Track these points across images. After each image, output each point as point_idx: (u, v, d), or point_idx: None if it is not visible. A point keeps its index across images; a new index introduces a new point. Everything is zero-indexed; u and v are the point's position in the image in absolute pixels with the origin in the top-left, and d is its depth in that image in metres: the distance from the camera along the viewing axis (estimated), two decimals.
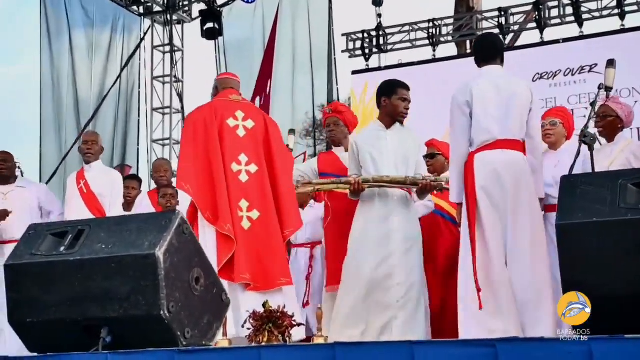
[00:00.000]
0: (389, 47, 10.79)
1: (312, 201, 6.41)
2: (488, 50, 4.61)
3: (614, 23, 9.38)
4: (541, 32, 9.70)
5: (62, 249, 3.35)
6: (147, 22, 12.45)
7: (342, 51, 10.99)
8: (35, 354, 3.33)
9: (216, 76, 5.37)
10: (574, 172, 4.16)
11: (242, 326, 4.32)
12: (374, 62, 10.83)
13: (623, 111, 4.93)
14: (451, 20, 10.70)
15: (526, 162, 4.34)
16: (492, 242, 4.20)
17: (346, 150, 5.34)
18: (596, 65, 8.78)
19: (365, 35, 10.76)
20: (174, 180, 6.63)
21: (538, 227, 4.28)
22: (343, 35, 11.00)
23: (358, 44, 10.80)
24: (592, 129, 4.26)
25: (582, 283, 2.58)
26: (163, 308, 3.18)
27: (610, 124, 4.89)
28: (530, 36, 10.30)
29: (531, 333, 4.00)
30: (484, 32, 9.73)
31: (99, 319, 3.25)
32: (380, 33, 10.71)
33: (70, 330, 3.28)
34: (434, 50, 10.47)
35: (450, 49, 11.31)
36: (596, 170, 4.15)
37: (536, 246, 4.21)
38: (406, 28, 10.69)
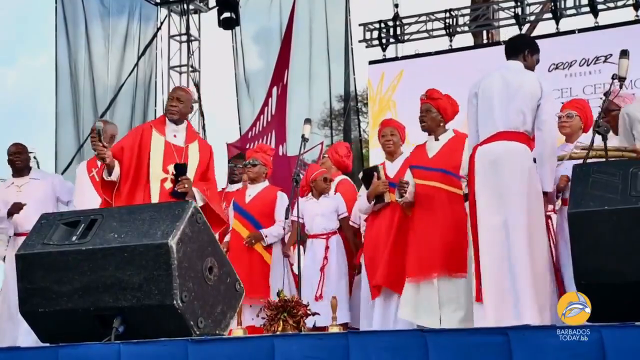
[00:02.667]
0: (406, 37, 10.71)
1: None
2: (508, 48, 4.73)
3: (629, 14, 9.34)
4: (557, 23, 9.61)
5: (74, 238, 3.33)
6: (164, 11, 12.43)
7: (359, 41, 10.93)
8: (47, 344, 3.32)
9: None
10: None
11: (257, 315, 4.32)
12: (390, 52, 10.78)
13: (625, 102, 4.96)
14: (468, 11, 10.62)
15: (528, 153, 4.36)
16: (487, 234, 4.24)
17: (436, 139, 5.23)
18: (611, 55, 8.70)
19: (382, 25, 10.69)
20: None
21: (537, 219, 4.27)
22: (360, 25, 10.94)
23: (375, 34, 10.73)
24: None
25: (594, 270, 2.56)
26: (176, 298, 3.17)
27: (614, 117, 4.87)
28: (546, 26, 10.22)
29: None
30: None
31: (112, 309, 3.23)
32: (397, 23, 10.65)
33: (82, 320, 3.27)
34: (451, 41, 10.39)
35: (467, 39, 11.25)
36: None
37: (533, 239, 4.22)
38: (423, 18, 10.61)
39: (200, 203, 4.72)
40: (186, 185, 4.74)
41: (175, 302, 3.17)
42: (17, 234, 5.99)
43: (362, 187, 5.81)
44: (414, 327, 4.96)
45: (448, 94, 5.36)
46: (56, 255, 3.28)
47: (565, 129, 5.15)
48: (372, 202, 5.59)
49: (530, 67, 4.57)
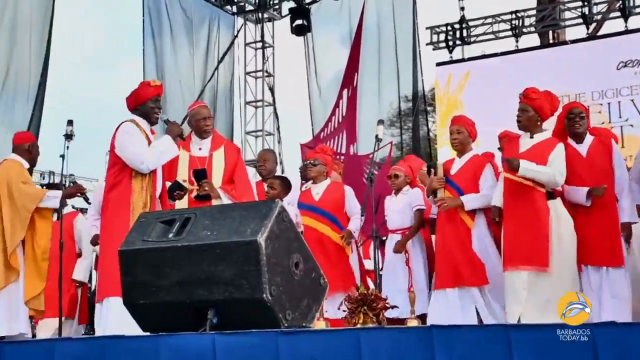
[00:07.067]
0: (472, 39, 10.64)
1: (406, 187, 6.34)
2: None
3: None
4: (625, 21, 9.36)
5: (170, 235, 3.37)
6: (240, 20, 12.59)
7: (427, 44, 10.91)
8: (148, 334, 3.39)
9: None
10: None
11: (339, 308, 4.33)
12: (457, 53, 10.72)
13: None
14: (534, 12, 10.47)
15: None
16: None
17: (531, 137, 5.11)
18: None
19: (449, 28, 10.64)
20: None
21: None
22: (427, 28, 10.91)
23: (442, 36, 10.69)
24: None
25: None
26: (265, 291, 3.18)
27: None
28: (613, 25, 9.99)
29: None
30: None
31: (206, 302, 3.26)
32: (464, 25, 10.58)
33: (179, 312, 3.31)
34: (517, 41, 10.28)
35: (533, 40, 11.08)
36: None
37: None
38: (489, 20, 10.51)
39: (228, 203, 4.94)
40: (206, 188, 4.96)
41: (264, 295, 3.18)
42: None
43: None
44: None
45: (548, 91, 5.18)
46: (155, 251, 3.34)
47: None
48: (431, 197, 5.56)
49: None
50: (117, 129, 4.79)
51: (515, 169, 4.88)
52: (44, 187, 7.25)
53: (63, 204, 5.55)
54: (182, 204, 5.02)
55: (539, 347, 2.64)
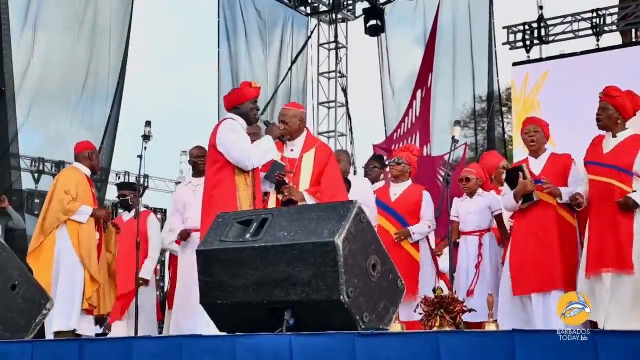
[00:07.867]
0: (551, 38, 10.43)
1: (480, 190, 6.27)
2: None
3: None
4: None
5: (248, 236, 3.38)
6: (314, 21, 12.65)
7: (503, 43, 10.74)
8: (226, 334, 3.41)
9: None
10: None
11: (415, 311, 4.28)
12: (535, 53, 10.52)
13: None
14: (616, 10, 10.19)
15: None
16: None
17: (614, 136, 4.99)
18: None
19: (527, 27, 10.45)
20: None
21: None
22: (504, 28, 10.75)
23: (519, 36, 10.51)
24: None
25: None
26: (343, 293, 3.16)
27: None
28: None
29: None
30: None
31: (283, 302, 3.26)
32: (542, 25, 10.38)
33: (256, 312, 3.32)
34: (598, 40, 10.02)
35: (615, 39, 10.80)
36: None
37: None
38: (568, 19, 10.29)
39: None
40: (286, 194, 4.91)
41: (342, 297, 3.17)
42: (193, 230, 6.08)
43: (505, 185, 5.65)
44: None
45: (630, 90, 5.07)
46: (232, 251, 3.36)
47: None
48: (520, 202, 5.44)
49: None
50: (218, 125, 4.85)
51: (635, 206, 4.81)
52: (119, 187, 7.44)
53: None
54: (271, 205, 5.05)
55: (627, 354, 2.54)
